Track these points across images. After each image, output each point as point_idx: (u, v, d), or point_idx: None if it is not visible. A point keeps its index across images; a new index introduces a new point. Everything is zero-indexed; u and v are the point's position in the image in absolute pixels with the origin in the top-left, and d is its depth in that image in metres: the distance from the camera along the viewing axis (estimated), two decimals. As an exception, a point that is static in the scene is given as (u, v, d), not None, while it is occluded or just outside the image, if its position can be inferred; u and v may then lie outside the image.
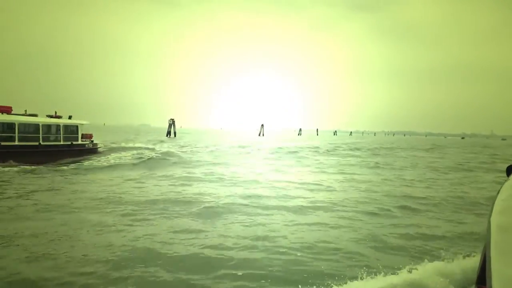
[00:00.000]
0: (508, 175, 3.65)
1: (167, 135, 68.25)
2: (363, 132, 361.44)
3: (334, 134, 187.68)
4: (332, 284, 5.18)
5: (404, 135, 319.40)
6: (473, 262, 5.27)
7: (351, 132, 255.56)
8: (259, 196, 12.35)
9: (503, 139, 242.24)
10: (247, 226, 8.71)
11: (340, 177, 18.89)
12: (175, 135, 68.63)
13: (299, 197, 12.56)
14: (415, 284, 4.81)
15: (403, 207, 11.38)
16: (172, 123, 69.87)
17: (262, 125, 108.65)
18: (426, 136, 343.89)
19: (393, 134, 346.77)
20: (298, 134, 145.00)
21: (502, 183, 3.21)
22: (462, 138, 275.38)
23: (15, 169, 17.76)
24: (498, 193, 2.88)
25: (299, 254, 6.77)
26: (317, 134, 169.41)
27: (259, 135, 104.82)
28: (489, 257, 1.86)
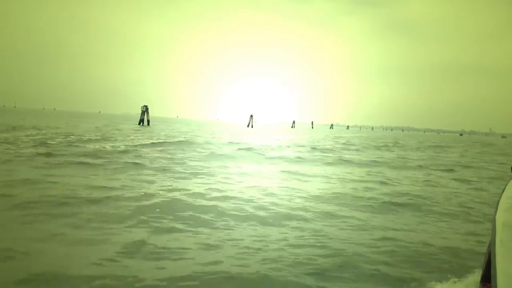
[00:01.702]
0: None
1: (139, 123, 61.57)
2: (360, 127, 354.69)
3: (331, 128, 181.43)
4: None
5: (403, 131, 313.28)
6: None
7: (348, 126, 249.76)
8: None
9: (503, 137, 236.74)
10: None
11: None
12: (148, 123, 62.03)
13: None
14: None
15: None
16: (145, 110, 63.06)
17: (251, 116, 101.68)
18: (424, 132, 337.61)
19: (391, 130, 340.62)
20: (292, 127, 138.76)
21: (507, 181, 3.14)
22: (461, 135, 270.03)
23: None
24: (503, 191, 2.83)
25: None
26: (312, 127, 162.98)
27: (248, 126, 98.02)
28: (494, 255, 1.82)
